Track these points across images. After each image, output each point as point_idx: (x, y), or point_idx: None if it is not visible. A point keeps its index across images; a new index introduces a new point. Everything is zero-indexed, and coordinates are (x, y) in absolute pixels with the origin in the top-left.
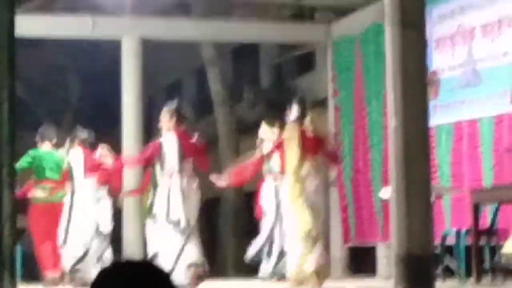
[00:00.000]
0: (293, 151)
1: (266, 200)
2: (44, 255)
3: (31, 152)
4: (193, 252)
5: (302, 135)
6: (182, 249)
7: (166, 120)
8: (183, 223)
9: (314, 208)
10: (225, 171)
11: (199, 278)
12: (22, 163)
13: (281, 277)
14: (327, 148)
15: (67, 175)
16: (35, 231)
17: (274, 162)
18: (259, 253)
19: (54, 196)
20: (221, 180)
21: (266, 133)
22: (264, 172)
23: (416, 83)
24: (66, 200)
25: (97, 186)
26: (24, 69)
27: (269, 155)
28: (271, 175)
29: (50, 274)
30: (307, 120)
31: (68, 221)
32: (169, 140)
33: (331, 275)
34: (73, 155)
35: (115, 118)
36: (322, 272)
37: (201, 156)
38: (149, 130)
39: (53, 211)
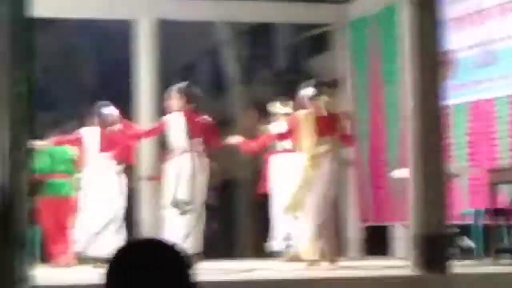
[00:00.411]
0: (308, 130)
1: (275, 179)
2: (53, 249)
3: (45, 151)
4: (196, 241)
5: (317, 114)
6: (187, 235)
7: (175, 100)
8: (190, 204)
9: (327, 191)
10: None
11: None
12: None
13: (294, 258)
14: (341, 128)
15: (82, 152)
16: (44, 225)
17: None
18: (280, 244)
19: (62, 189)
20: (233, 139)
21: (280, 109)
22: (273, 147)
23: (433, 63)
24: (82, 177)
25: (113, 163)
26: (40, 49)
27: (282, 137)
28: (281, 152)
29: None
30: (322, 100)
31: (83, 199)
32: (176, 119)
33: (346, 255)
34: (89, 131)
35: (130, 99)
36: (330, 256)
37: (209, 134)
38: (164, 111)
39: (60, 205)
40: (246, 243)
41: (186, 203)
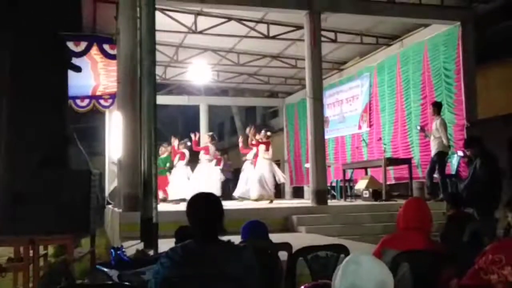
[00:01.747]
0: (263, 147)
1: (248, 163)
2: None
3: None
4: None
5: (266, 141)
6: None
7: (207, 139)
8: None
9: (269, 171)
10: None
11: None
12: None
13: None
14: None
15: (183, 156)
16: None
17: (252, 152)
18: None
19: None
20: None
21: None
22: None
23: (320, 122)
24: (180, 166)
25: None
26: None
27: (253, 146)
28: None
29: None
30: (267, 136)
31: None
32: (211, 147)
33: (284, 198)
34: (183, 149)
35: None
36: (267, 198)
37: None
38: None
39: (163, 178)
40: None
41: None
